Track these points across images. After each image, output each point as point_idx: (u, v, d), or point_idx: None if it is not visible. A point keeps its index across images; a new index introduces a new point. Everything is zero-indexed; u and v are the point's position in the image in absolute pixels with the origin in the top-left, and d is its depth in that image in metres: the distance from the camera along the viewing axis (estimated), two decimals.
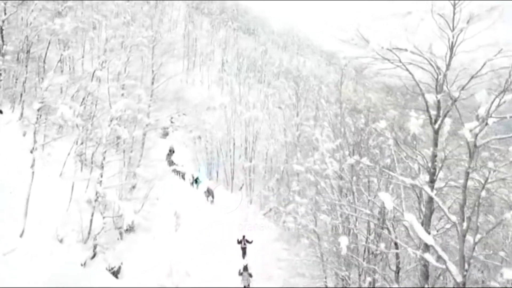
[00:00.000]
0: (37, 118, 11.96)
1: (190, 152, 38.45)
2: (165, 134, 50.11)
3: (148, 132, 20.23)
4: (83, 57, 22.69)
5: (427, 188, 7.27)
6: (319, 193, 12.12)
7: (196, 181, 31.65)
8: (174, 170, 36.82)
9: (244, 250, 19.05)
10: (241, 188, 38.24)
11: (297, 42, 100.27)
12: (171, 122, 51.96)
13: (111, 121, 13.15)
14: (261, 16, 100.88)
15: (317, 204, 12.29)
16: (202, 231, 20.80)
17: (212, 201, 28.25)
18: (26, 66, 20.45)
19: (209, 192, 28.70)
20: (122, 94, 18.89)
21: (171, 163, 36.82)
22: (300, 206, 12.88)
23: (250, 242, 19.21)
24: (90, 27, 35.86)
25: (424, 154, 7.88)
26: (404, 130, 8.98)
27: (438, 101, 7.50)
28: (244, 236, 19.49)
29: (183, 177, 36.85)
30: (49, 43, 19.79)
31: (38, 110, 11.82)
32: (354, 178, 10.47)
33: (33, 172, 11.31)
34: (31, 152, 11.55)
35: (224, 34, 76.59)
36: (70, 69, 20.04)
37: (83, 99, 14.73)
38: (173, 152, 42.57)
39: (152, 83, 19.94)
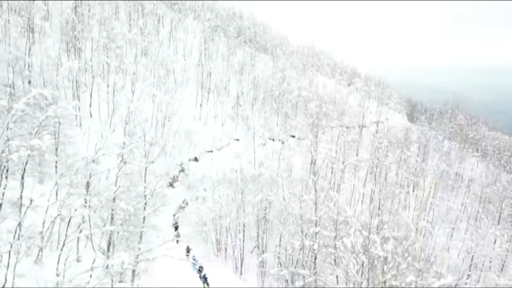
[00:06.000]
0: None
1: (196, 217, 35.22)
2: (172, 183, 46.84)
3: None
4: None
5: None
6: None
7: (200, 270, 28.35)
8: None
9: None
10: (251, 251, 35.13)
11: (317, 62, 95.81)
12: (181, 170, 48.76)
13: None
14: (280, 36, 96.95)
15: None
16: None
17: None
18: None
19: (202, 274, 26.48)
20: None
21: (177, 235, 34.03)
22: None
23: None
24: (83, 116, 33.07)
25: None
26: None
27: None
28: None
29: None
30: (26, 162, 16.90)
31: None
32: None
33: None
34: None
35: (241, 59, 73.15)
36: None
37: None
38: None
39: (144, 210, 16.80)
